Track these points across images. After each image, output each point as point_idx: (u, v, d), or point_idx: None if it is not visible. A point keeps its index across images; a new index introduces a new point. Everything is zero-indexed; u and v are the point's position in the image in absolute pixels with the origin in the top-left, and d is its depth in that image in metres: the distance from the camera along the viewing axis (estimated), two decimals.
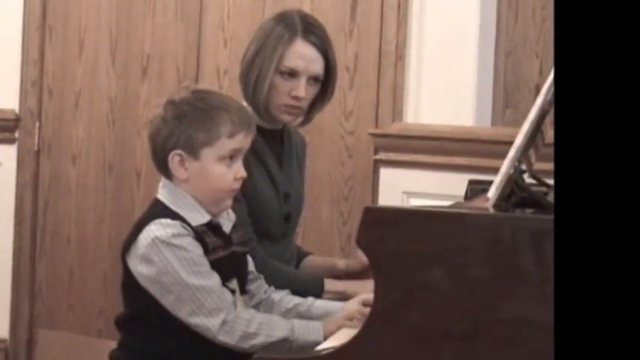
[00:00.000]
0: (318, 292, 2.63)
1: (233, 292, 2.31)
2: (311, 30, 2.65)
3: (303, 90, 2.63)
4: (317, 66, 2.65)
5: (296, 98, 2.63)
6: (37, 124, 4.43)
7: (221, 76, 4.07)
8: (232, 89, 3.82)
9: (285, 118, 2.67)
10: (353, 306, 2.35)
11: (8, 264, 4.48)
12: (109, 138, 4.32)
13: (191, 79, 4.12)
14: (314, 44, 2.65)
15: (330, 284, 2.68)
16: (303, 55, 2.63)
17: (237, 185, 2.33)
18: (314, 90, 2.68)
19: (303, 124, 2.79)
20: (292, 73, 2.63)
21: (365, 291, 2.37)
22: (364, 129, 3.81)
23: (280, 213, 2.70)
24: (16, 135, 4.46)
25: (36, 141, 4.44)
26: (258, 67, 2.63)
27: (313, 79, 2.66)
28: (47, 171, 4.45)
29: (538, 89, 3.16)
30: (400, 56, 3.75)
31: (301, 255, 2.90)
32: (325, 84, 2.71)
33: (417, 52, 3.74)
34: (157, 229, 2.24)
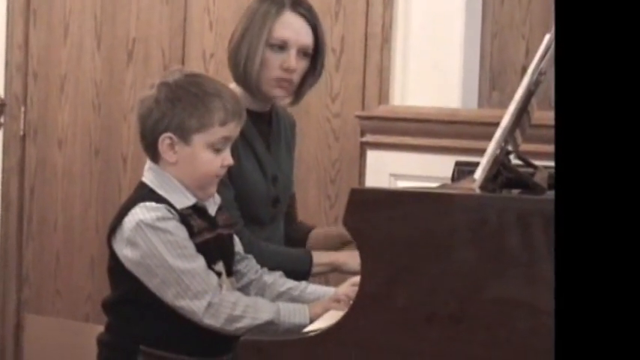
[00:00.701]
0: (307, 267, 2.63)
1: (219, 274, 2.31)
2: (299, 2, 2.66)
3: (293, 61, 2.62)
4: (306, 37, 2.65)
5: (287, 70, 2.63)
6: (23, 109, 4.42)
7: (207, 59, 4.05)
8: (218, 72, 3.82)
9: (277, 92, 2.66)
10: (343, 290, 2.35)
11: None
12: (95, 122, 4.31)
13: (177, 63, 4.10)
14: (303, 15, 2.65)
15: (318, 257, 2.67)
16: (291, 25, 2.63)
17: (223, 172, 2.34)
18: (304, 64, 2.67)
19: (293, 102, 2.78)
20: (282, 46, 2.62)
21: (354, 261, 2.35)
22: (350, 111, 3.81)
23: (268, 196, 2.69)
24: (2, 120, 4.45)
25: (22, 126, 4.43)
26: (247, 44, 2.62)
27: (303, 52, 2.65)
28: (33, 156, 4.44)
29: (524, 71, 3.15)
30: (386, 38, 3.74)
31: (306, 230, 2.89)
32: (315, 59, 2.70)
33: (404, 34, 3.73)
34: (142, 212, 2.24)
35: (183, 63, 4.09)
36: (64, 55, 4.36)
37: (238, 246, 2.46)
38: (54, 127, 4.39)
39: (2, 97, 4.43)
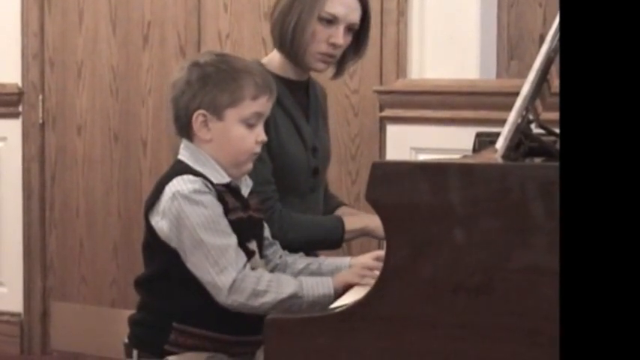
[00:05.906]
0: (340, 235, 2.64)
1: (253, 253, 2.32)
2: None
3: (341, 37, 2.62)
4: (356, 14, 2.65)
5: (334, 45, 2.63)
6: (41, 97, 4.43)
7: (223, 40, 4.04)
8: (235, 53, 3.80)
9: (319, 66, 2.66)
10: (364, 260, 2.36)
11: (19, 238, 4.49)
12: (113, 107, 4.31)
13: (193, 45, 4.10)
14: None
15: (350, 223, 2.67)
16: (344, 2, 2.62)
17: (258, 149, 2.35)
18: (349, 39, 2.67)
19: (336, 75, 2.79)
20: (332, 20, 2.61)
21: None
22: (369, 87, 3.80)
23: (309, 167, 2.68)
24: (20, 109, 4.46)
25: (40, 114, 4.43)
26: (297, 13, 2.61)
27: (349, 28, 2.65)
28: (53, 143, 4.45)
29: (542, 39, 3.13)
30: (402, 12, 3.73)
31: (336, 204, 2.89)
32: (358, 34, 2.70)
33: (419, 8, 3.72)
34: (179, 183, 2.26)
35: (199, 45, 4.08)
36: (79, 42, 4.36)
37: (267, 231, 2.48)
38: (72, 113, 4.39)
39: (20, 85, 4.44)
